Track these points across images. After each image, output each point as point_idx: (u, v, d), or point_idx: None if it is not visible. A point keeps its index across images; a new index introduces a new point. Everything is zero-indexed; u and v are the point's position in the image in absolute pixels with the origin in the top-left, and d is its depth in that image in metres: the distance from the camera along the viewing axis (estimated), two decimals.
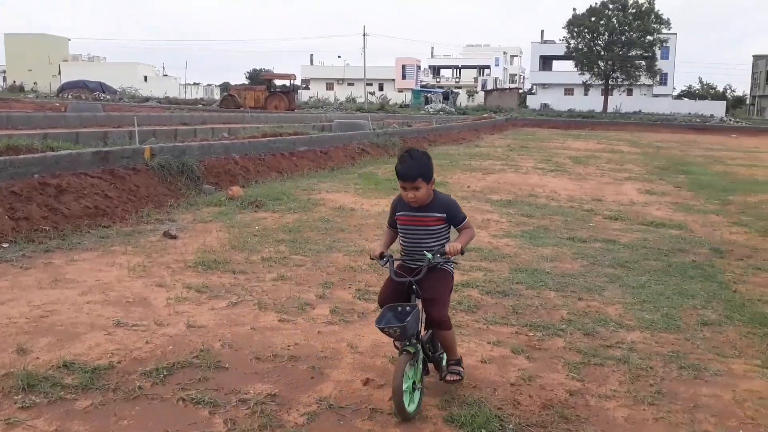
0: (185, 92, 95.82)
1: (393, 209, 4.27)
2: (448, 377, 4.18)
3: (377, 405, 3.97)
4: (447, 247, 4.00)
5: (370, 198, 11.82)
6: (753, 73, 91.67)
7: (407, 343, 3.86)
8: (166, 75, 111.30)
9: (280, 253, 7.53)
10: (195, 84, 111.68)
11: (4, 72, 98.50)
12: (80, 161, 9.84)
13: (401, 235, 4.25)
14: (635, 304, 6.19)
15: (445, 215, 4.09)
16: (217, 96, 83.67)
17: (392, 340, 4.10)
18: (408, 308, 3.91)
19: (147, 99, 65.59)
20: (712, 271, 7.51)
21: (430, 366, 4.19)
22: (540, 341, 5.17)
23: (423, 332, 4.16)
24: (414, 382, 3.85)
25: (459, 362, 4.24)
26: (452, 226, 4.18)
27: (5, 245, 7.28)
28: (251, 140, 15.21)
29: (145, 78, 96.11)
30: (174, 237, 8.06)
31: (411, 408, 3.79)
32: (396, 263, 4.17)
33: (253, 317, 5.44)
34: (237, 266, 6.90)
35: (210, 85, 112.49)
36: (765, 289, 6.90)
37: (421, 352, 3.96)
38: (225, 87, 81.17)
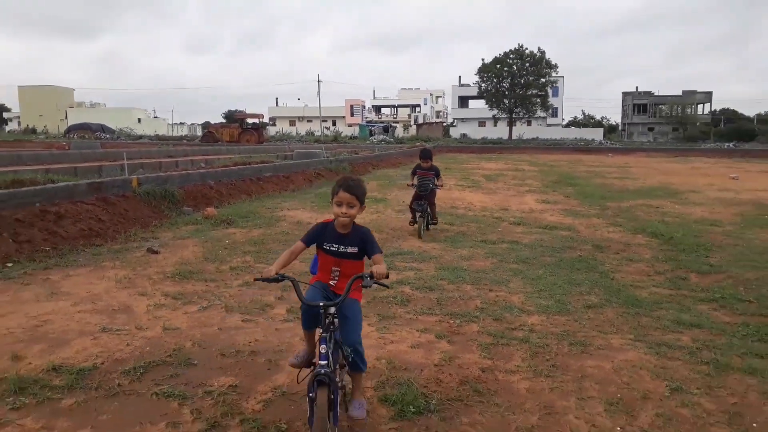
0: (173, 131, 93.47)
1: (415, 168, 9.30)
2: (432, 226, 9.72)
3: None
4: (438, 183, 9.43)
5: (324, 214, 11.60)
6: (623, 106, 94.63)
7: (421, 213, 9.22)
8: (156, 117, 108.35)
9: (246, 262, 7.26)
10: (181, 123, 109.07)
11: (19, 118, 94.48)
12: (76, 191, 9.38)
13: (418, 178, 9.59)
14: (534, 292, 6.16)
15: (434, 173, 9.37)
16: (199, 133, 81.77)
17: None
18: (423, 202, 9.30)
19: (140, 137, 63.78)
20: (595, 264, 7.55)
21: None
22: (459, 327, 5.07)
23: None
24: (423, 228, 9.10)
25: (437, 219, 9.79)
26: (436, 176, 9.48)
27: (9, 265, 6.83)
28: (224, 168, 14.82)
29: (139, 120, 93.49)
30: (156, 252, 7.70)
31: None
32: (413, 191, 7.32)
33: (221, 319, 5.18)
34: (209, 275, 6.61)
35: (193, 124, 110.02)
36: (636, 276, 6.96)
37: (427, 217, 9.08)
38: (205, 125, 79.38)
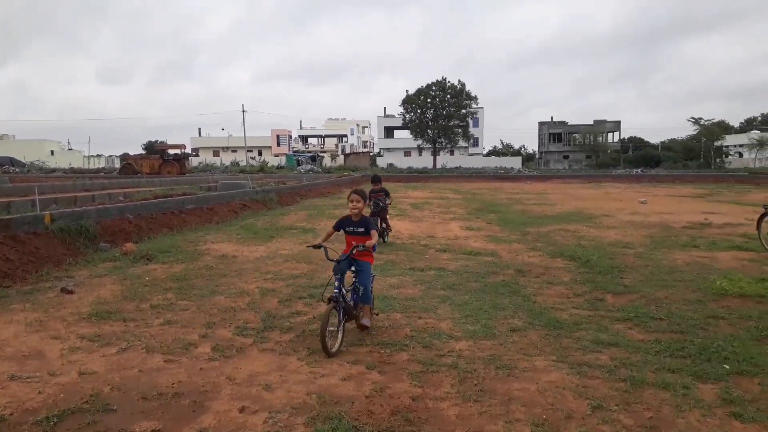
0: (89, 163, 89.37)
1: (370, 191, 9.17)
2: (389, 233, 12.01)
3: (251, 429, 3.68)
4: (388, 201, 11.55)
5: (249, 246, 11.38)
6: (539, 135, 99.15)
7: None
8: (71, 149, 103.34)
9: (167, 300, 6.98)
10: (98, 155, 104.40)
11: None
12: None
13: (373, 201, 11.52)
14: (461, 318, 6.26)
15: (384, 193, 11.32)
16: (117, 165, 78.53)
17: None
18: (376, 219, 10.90)
19: (54, 170, 60.59)
20: (517, 288, 7.77)
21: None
22: (389, 356, 5.07)
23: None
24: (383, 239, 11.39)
25: (389, 228, 11.83)
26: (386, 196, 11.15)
27: None
28: (144, 201, 14.28)
29: (52, 152, 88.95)
30: (71, 292, 7.28)
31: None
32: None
33: (141, 360, 4.94)
34: (128, 314, 6.31)
35: (111, 155, 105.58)
36: (556, 299, 7.22)
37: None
38: (124, 157, 76.35)
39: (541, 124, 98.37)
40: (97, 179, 36.75)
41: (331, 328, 5.15)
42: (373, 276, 5.83)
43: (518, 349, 5.28)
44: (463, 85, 70.13)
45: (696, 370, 4.69)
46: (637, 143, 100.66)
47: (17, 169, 57.88)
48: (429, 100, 70.25)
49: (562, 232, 13.76)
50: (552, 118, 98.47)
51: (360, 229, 5.60)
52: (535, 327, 5.94)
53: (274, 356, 5.08)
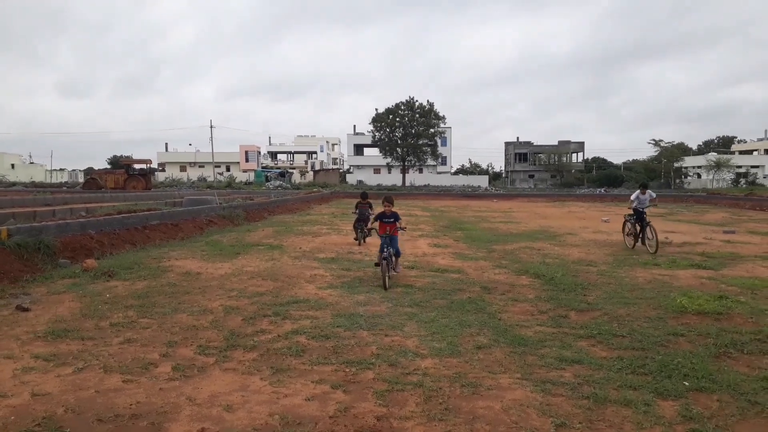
0: (51, 177, 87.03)
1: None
2: (369, 235, 14.47)
3: None
4: (402, 225, 10.33)
5: (215, 262, 11.18)
6: (506, 155, 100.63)
7: (360, 229, 14.72)
8: (32, 162, 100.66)
9: (128, 317, 6.78)
10: (61, 169, 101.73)
11: None
12: None
13: (359, 212, 15.02)
14: (428, 335, 6.23)
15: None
16: (81, 179, 76.73)
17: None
18: (361, 224, 14.70)
19: (14, 184, 58.95)
20: (483, 305, 7.78)
21: None
22: (355, 375, 5.01)
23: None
24: (363, 235, 14.71)
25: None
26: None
27: None
28: (107, 217, 13.93)
29: (12, 166, 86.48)
30: (26, 309, 7.02)
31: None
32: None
33: (98, 380, 4.77)
34: (86, 333, 6.10)
35: (74, 170, 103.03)
36: (521, 316, 7.26)
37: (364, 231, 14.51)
38: (88, 171, 74.66)
39: (507, 144, 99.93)
40: (59, 194, 35.84)
41: (387, 274, 8.96)
42: (403, 230, 10.01)
43: (483, 366, 5.27)
44: (431, 104, 71.01)
45: (657, 387, 4.75)
46: (600, 163, 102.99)
47: None
48: (398, 119, 70.81)
49: (527, 250, 13.90)
50: (518, 138, 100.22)
51: (391, 219, 9.57)
52: (500, 344, 5.95)
53: (236, 376, 4.97)
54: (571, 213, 31.01)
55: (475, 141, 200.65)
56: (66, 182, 74.78)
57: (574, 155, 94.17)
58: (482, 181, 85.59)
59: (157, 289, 8.46)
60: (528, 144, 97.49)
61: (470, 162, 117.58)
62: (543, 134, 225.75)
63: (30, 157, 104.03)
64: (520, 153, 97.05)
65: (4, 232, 9.81)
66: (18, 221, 13.40)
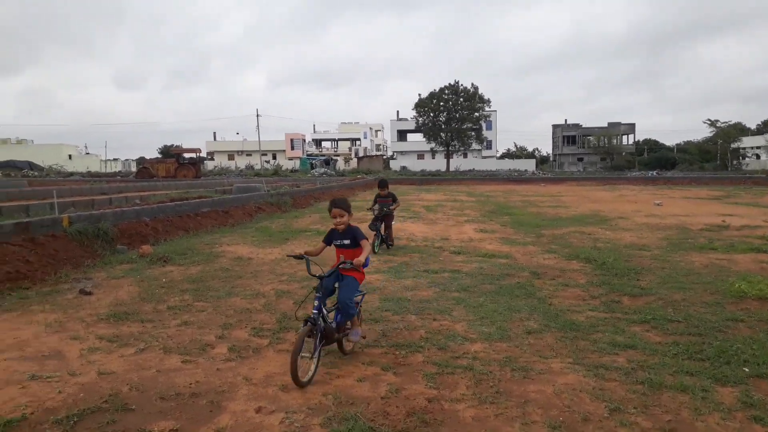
0: (106, 167, 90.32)
1: (376, 197, 10.62)
2: (390, 244, 11.28)
3: (268, 429, 3.69)
4: (393, 207, 10.96)
5: (264, 248, 11.44)
6: (553, 138, 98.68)
7: (377, 233, 10.87)
8: (88, 153, 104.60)
9: (184, 301, 7.03)
10: (114, 159, 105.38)
11: None
12: (1, 232, 8.88)
13: (378, 203, 11.22)
14: (476, 320, 6.23)
15: (391, 198, 10.82)
16: (133, 169, 79.34)
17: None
18: (379, 223, 10.88)
19: (71, 174, 61.34)
20: (533, 290, 7.72)
21: None
22: (404, 358, 5.06)
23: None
24: (378, 245, 10.82)
25: (392, 241, 11.28)
26: (393, 201, 10.61)
27: None
28: (160, 204, 14.40)
29: (70, 156, 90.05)
30: (89, 293, 7.36)
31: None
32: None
33: (159, 360, 4.98)
34: (145, 316, 6.37)
35: (127, 159, 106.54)
36: (571, 301, 7.16)
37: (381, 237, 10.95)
38: (140, 161, 77.14)
39: (554, 126, 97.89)
40: (114, 183, 37.17)
41: (305, 355, 4.44)
42: (362, 293, 5.30)
43: (534, 351, 5.24)
44: (476, 88, 70.01)
45: (715, 373, 4.63)
46: (651, 145, 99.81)
47: (35, 173, 58.73)
48: (442, 104, 70.17)
49: (577, 235, 13.66)
50: (566, 120, 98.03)
51: (346, 241, 5.08)
52: (550, 329, 5.90)
53: (289, 357, 5.09)
54: (622, 197, 30.21)
55: (521, 124, 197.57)
56: (120, 172, 77.44)
57: (625, 137, 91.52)
58: (529, 165, 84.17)
59: (210, 273, 8.73)
60: (576, 126, 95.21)
61: (516, 146, 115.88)
62: (592, 116, 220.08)
63: (86, 147, 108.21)
64: (568, 136, 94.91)
65: (65, 219, 10.27)
66: (78, 209, 13.99)
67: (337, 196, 5.09)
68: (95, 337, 5.62)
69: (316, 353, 4.54)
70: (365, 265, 4.95)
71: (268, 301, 7.11)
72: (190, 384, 4.44)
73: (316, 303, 4.62)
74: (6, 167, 61.12)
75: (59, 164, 73.59)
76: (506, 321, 6.18)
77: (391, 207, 11.30)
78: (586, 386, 4.40)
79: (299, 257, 4.87)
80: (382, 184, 11.76)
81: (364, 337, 5.22)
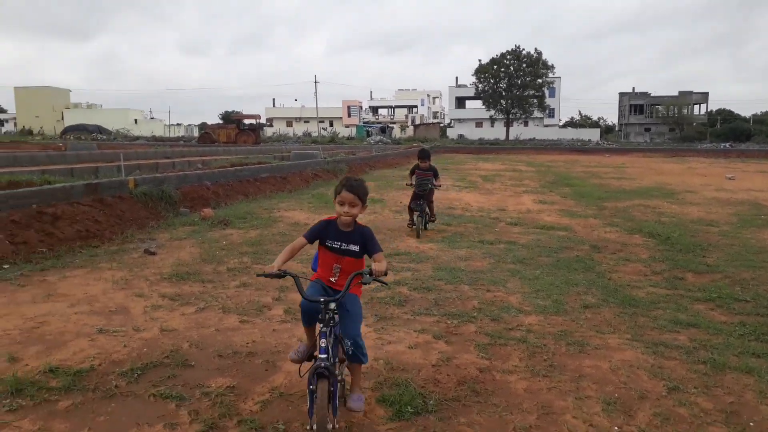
0: (169, 131, 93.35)
1: (414, 168, 9.64)
2: (431, 224, 9.94)
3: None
4: (436, 183, 9.75)
5: (320, 214, 11.60)
6: (619, 107, 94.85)
7: (420, 213, 9.42)
8: (153, 118, 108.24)
9: (243, 263, 7.25)
10: (178, 124, 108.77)
11: (15, 119, 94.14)
12: (73, 192, 9.35)
13: (416, 178, 9.73)
14: (531, 293, 6.16)
15: (432, 172, 9.62)
16: (196, 134, 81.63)
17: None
18: (421, 202, 9.45)
19: (137, 138, 63.71)
20: (592, 264, 7.55)
21: None
22: (456, 327, 5.07)
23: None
24: (421, 227, 9.43)
25: (434, 216, 9.97)
26: (434, 176, 9.74)
27: (6, 266, 6.81)
28: (221, 169, 14.79)
29: (136, 121, 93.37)
30: (153, 253, 7.69)
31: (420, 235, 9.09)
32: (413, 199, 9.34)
33: (218, 320, 5.17)
34: (206, 276, 6.61)
35: (190, 124, 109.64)
36: (632, 276, 6.97)
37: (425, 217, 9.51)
38: (202, 126, 79.14)
39: (621, 95, 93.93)
40: (177, 147, 38.34)
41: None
42: (438, 187, 5.62)
43: (591, 326, 5.15)
44: (539, 53, 67.88)
45: None
46: (726, 116, 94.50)
47: (104, 137, 61.28)
48: (503, 70, 68.49)
49: (641, 208, 13.21)
50: (633, 89, 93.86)
51: (353, 247, 3.38)
52: (609, 304, 5.77)
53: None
54: (691, 169, 28.89)
55: (586, 92, 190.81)
56: (182, 136, 79.89)
57: (696, 107, 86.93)
58: (593, 135, 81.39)
59: (268, 237, 8.95)
60: (645, 95, 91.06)
61: (580, 114, 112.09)
62: (663, 84, 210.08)
63: (150, 112, 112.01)
64: (635, 105, 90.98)
65: (131, 182, 10.71)
66: (143, 172, 14.54)
67: (351, 176, 3.52)
68: (158, 295, 5.88)
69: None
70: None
71: None
72: (247, 343, 4.60)
73: (323, 343, 3.08)
74: (77, 130, 63.97)
75: (126, 128, 76.46)
76: (563, 294, 6.08)
77: (435, 183, 9.79)
78: (644, 363, 4.29)
79: (279, 275, 3.19)
80: (423, 155, 10.05)
81: (357, 409, 3.35)
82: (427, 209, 9.72)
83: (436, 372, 4.12)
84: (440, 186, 10.08)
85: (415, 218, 9.53)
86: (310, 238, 3.43)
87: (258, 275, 3.41)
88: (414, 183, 9.77)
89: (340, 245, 3.38)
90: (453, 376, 4.05)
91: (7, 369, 4.01)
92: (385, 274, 3.20)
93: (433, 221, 10.07)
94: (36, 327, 4.90)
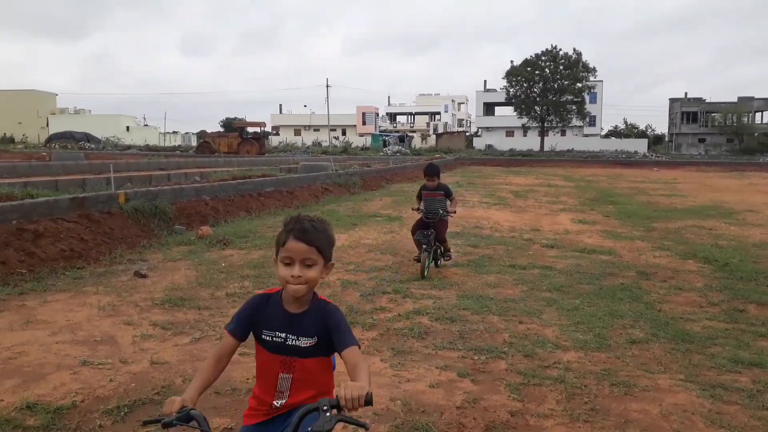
0: (165, 140, 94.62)
1: (420, 189, 8.65)
2: (445, 259, 8.71)
3: None
4: (450, 210, 8.50)
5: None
6: (670, 114, 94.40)
7: (427, 247, 8.14)
8: (146, 125, 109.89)
9: (244, 288, 7.28)
10: (174, 132, 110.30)
11: None
12: (57, 207, 9.52)
13: (424, 201, 8.53)
14: (570, 325, 6.10)
15: (443, 192, 8.54)
16: (194, 143, 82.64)
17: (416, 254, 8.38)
18: (429, 233, 8.23)
19: (129, 147, 64.70)
20: (639, 293, 7.48)
21: None
22: (484, 364, 5.03)
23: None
24: (428, 266, 8.17)
25: (449, 251, 8.77)
26: (447, 198, 8.58)
27: None
28: (221, 183, 14.97)
29: (128, 128, 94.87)
30: (144, 276, 7.76)
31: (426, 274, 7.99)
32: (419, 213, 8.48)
33: None
34: (202, 302, 6.64)
35: (187, 133, 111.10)
36: (686, 307, 6.88)
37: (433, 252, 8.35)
38: (201, 135, 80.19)
39: (672, 101, 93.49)
40: (173, 158, 38.87)
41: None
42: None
43: (638, 364, 5.08)
44: (579, 54, 68.04)
45: None
46: None
47: (93, 146, 62.25)
48: (538, 72, 68.66)
49: (695, 229, 13.09)
50: (686, 94, 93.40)
51: (305, 340, 2.28)
52: (659, 339, 5.70)
53: None
54: (753, 186, 28.57)
55: (632, 98, 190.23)
56: (179, 146, 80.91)
57: (758, 115, 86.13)
58: (640, 146, 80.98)
59: (272, 259, 8.96)
60: (699, 101, 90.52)
61: (625, 123, 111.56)
62: (720, 90, 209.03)
63: (144, 119, 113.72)
64: (688, 112, 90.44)
65: (122, 196, 10.86)
66: (135, 185, 14.76)
67: (305, 216, 2.41)
68: (149, 323, 5.91)
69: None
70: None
71: (333, 291, 7.24)
72: (247, 379, 4.59)
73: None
74: (63, 138, 65.09)
75: (116, 136, 77.64)
76: (606, 328, 6.02)
77: (447, 209, 8.54)
78: (700, 408, 4.21)
79: (179, 420, 2.05)
80: (430, 170, 8.67)
81: None
82: (435, 248, 8.45)
83: (461, 415, 4.08)
84: (454, 212, 8.71)
85: (422, 250, 8.20)
86: (238, 329, 2.35)
87: (145, 422, 2.41)
88: (422, 208, 8.55)
89: (286, 337, 2.30)
90: (480, 420, 4.01)
91: None
92: (368, 402, 1.93)
93: (448, 258, 8.72)
94: (13, 357, 4.95)
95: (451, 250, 8.94)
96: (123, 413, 3.99)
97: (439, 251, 8.58)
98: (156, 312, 6.29)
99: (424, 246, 8.17)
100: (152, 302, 6.63)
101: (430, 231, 8.25)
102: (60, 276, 7.71)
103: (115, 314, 6.19)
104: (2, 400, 4.14)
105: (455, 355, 5.24)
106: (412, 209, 8.92)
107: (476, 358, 5.17)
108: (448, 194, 8.61)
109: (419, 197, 8.69)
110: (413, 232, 8.57)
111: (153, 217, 10.90)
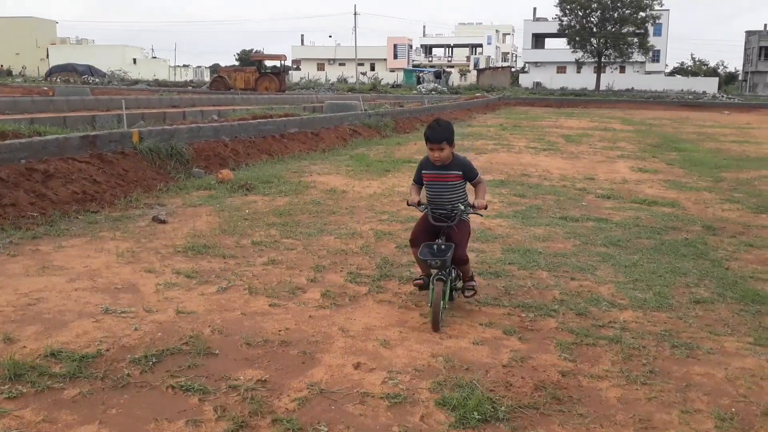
0: (175, 75, 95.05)
1: (419, 168, 5.49)
2: (467, 293, 5.38)
3: (368, 389, 3.94)
4: (476, 203, 5.28)
5: (361, 180, 11.76)
6: (746, 49, 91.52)
7: (441, 274, 4.96)
8: (155, 57, 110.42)
9: (270, 236, 7.48)
10: (185, 66, 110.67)
11: None
12: (68, 146, 9.73)
13: (427, 189, 5.44)
14: (627, 283, 6.17)
15: (461, 172, 5.30)
16: (207, 78, 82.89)
17: (415, 284, 5.55)
18: (444, 246, 5.10)
19: (136, 82, 65.14)
20: (705, 249, 7.49)
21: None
22: (532, 322, 5.15)
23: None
24: (444, 308, 5.01)
25: (473, 278, 5.46)
26: (468, 181, 5.37)
27: None
28: (241, 122, 15.09)
29: (134, 60, 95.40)
30: (163, 222, 7.99)
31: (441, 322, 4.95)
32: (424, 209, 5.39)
33: (244, 302, 5.39)
34: (227, 251, 6.85)
35: (200, 67, 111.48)
36: (757, 266, 6.89)
37: (449, 281, 5.12)
38: (215, 69, 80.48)
39: (749, 33, 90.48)
40: (186, 94, 39.08)
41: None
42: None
43: (702, 325, 5.15)
44: None
45: None
46: None
47: (97, 80, 62.86)
48: (595, 0, 66.87)
49: None
50: (766, 26, 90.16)
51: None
52: (726, 300, 5.75)
53: (392, 309, 5.35)
54: None
55: (703, 30, 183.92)
56: (191, 81, 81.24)
57: None
58: (709, 86, 78.98)
59: (300, 206, 9.17)
60: None
61: (693, 59, 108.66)
62: None
63: (152, 50, 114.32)
64: (766, 47, 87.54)
65: (135, 135, 11.06)
66: (148, 123, 14.97)
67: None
68: (172, 271, 6.14)
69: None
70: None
71: (366, 242, 7.40)
72: (280, 331, 4.80)
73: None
74: (64, 71, 65.75)
75: (123, 70, 78.15)
76: (667, 286, 6.08)
77: (471, 203, 5.33)
78: None
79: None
80: (436, 133, 5.16)
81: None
82: (449, 273, 5.13)
83: (507, 374, 4.22)
84: (485, 209, 5.39)
85: (431, 279, 5.09)
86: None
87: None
88: (424, 202, 5.48)
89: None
90: (529, 379, 4.15)
91: (4, 351, 4.28)
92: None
93: (471, 290, 5.40)
94: (31, 304, 5.21)
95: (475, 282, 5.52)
96: (151, 363, 4.21)
97: (458, 278, 5.37)
98: (178, 259, 6.52)
99: (436, 272, 5.03)
100: (174, 249, 6.86)
101: (443, 244, 5.15)
102: (73, 220, 7.98)
103: (135, 261, 6.43)
104: (25, 346, 4.39)
105: (501, 311, 5.36)
106: (408, 204, 5.53)
107: (524, 315, 5.28)
108: (468, 175, 5.36)
109: (417, 182, 5.52)
110: (413, 244, 5.37)
111: (169, 159, 11.11)
